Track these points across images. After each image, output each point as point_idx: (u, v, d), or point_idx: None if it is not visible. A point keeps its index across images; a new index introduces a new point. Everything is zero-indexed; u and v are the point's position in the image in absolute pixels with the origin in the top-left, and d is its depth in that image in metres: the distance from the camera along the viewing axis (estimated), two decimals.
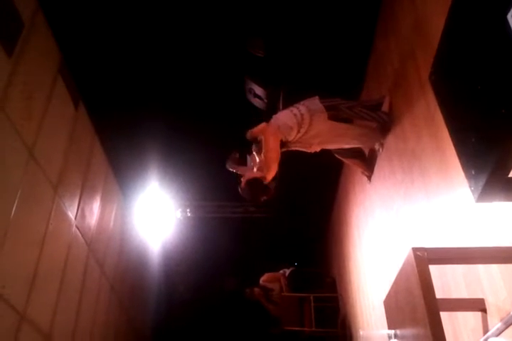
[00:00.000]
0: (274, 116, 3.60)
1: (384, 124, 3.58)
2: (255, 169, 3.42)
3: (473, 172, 1.41)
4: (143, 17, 3.87)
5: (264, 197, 3.47)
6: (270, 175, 3.38)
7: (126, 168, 5.66)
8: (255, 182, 3.34)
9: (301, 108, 3.48)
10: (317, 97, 3.55)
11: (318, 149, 3.68)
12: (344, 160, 4.20)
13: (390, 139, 3.63)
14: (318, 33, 4.05)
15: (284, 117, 3.49)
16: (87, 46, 4.03)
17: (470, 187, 1.44)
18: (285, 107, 3.76)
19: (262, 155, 3.36)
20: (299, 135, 3.47)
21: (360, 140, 3.73)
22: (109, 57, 4.16)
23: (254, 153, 3.49)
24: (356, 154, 4.06)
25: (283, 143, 3.47)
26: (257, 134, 3.44)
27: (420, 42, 2.97)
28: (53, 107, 3.87)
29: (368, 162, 4.15)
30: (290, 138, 3.48)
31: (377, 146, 3.89)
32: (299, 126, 3.42)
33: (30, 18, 3.50)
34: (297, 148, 3.61)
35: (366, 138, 3.76)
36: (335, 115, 3.51)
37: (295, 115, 3.44)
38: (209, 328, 8.39)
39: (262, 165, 3.38)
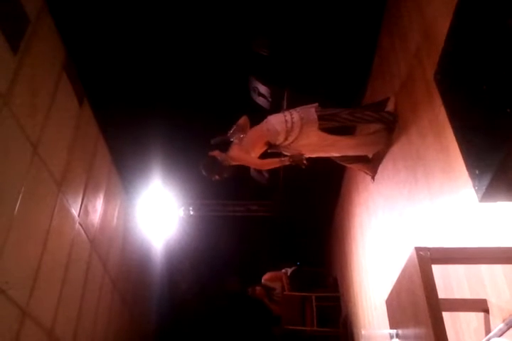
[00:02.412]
0: (268, 117, 3.61)
1: (389, 124, 3.57)
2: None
3: (477, 172, 1.41)
4: (148, 14, 3.88)
5: (216, 177, 3.63)
6: (235, 161, 3.56)
7: (130, 165, 5.67)
8: (213, 160, 3.55)
9: (294, 115, 3.48)
10: (316, 105, 3.55)
11: (311, 155, 3.67)
12: (345, 165, 4.21)
13: (395, 139, 3.62)
14: (323, 33, 4.04)
15: (275, 121, 3.51)
16: (92, 43, 4.04)
17: (474, 186, 1.43)
18: (289, 106, 3.76)
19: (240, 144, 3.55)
20: (287, 142, 3.51)
21: (354, 150, 3.75)
22: (114, 55, 4.17)
23: (235, 138, 3.62)
24: (357, 159, 4.04)
25: (270, 145, 3.57)
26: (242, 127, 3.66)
27: (425, 42, 2.96)
28: (58, 104, 3.89)
29: (370, 164, 4.13)
30: (277, 143, 3.53)
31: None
32: (287, 133, 3.45)
33: (35, 15, 3.51)
34: (287, 153, 3.61)
35: (359, 149, 3.77)
36: (327, 126, 3.52)
37: (286, 121, 3.46)
38: (211, 326, 8.40)
39: (232, 150, 3.56)
